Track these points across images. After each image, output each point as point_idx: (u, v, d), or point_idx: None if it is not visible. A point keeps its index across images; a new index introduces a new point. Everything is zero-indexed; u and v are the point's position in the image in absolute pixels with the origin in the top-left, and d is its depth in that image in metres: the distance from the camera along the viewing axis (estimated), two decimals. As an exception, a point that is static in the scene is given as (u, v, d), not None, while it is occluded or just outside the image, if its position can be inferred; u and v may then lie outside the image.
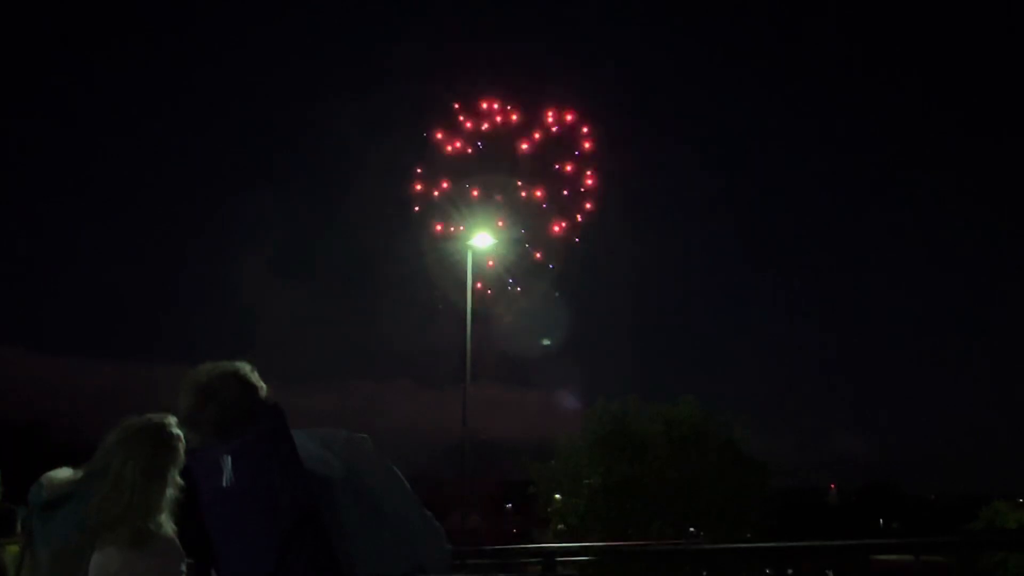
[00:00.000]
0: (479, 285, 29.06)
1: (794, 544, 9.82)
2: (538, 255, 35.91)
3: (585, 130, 37.31)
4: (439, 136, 36.61)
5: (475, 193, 34.25)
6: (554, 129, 37.81)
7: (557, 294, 36.38)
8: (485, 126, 37.06)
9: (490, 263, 32.43)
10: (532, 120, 37.25)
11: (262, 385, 2.43)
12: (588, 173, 36.91)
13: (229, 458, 2.28)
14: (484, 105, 37.29)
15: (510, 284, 35.88)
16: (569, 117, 37.27)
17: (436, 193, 35.50)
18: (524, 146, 37.05)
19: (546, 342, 35.63)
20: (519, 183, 35.56)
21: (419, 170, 36.28)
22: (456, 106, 37.39)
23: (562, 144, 38.20)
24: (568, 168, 37.51)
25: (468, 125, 37.11)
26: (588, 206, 36.61)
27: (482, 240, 20.62)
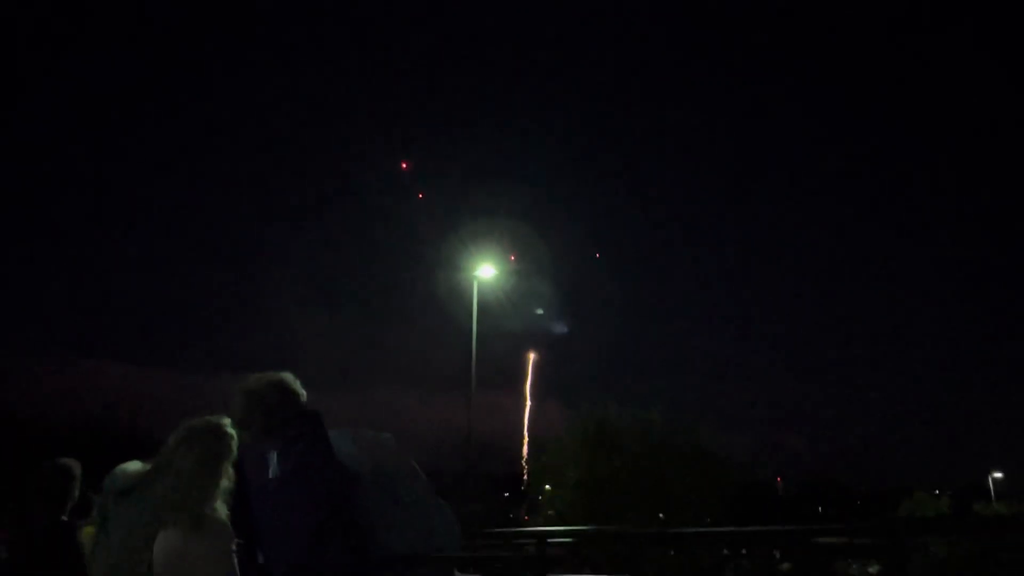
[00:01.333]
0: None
1: (746, 529, 9.76)
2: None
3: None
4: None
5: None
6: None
7: (540, 311, 35.61)
8: None
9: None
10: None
11: (303, 392, 2.42)
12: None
13: (275, 454, 2.26)
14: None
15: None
16: None
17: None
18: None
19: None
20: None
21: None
22: None
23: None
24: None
25: None
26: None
27: (486, 272, 20.77)
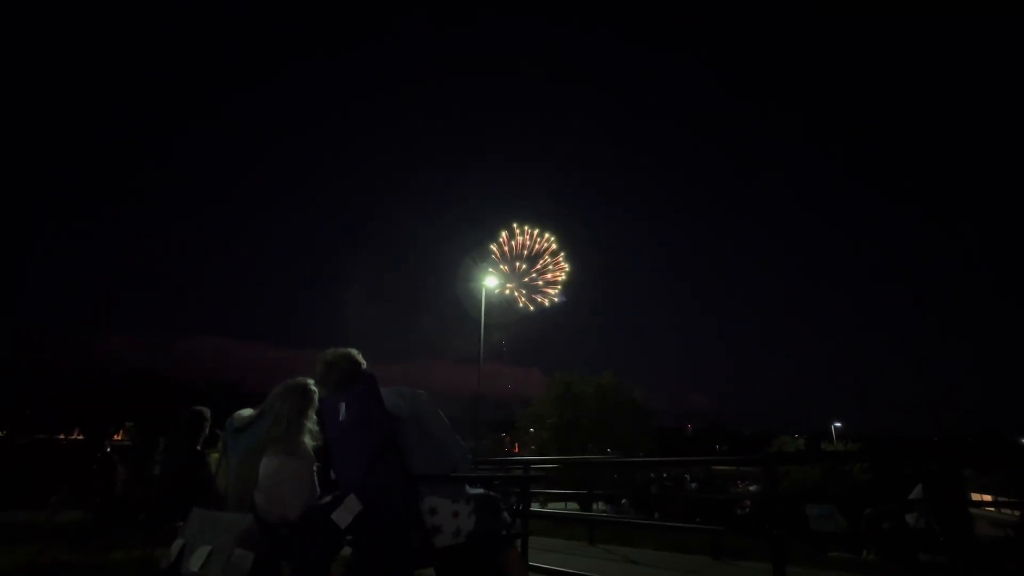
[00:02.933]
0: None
1: (666, 459, 9.72)
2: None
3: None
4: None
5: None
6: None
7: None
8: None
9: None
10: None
11: (363, 361, 2.40)
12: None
13: (343, 405, 2.24)
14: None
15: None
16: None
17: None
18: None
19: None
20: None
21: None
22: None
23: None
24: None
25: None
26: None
27: (490, 281, 20.83)
